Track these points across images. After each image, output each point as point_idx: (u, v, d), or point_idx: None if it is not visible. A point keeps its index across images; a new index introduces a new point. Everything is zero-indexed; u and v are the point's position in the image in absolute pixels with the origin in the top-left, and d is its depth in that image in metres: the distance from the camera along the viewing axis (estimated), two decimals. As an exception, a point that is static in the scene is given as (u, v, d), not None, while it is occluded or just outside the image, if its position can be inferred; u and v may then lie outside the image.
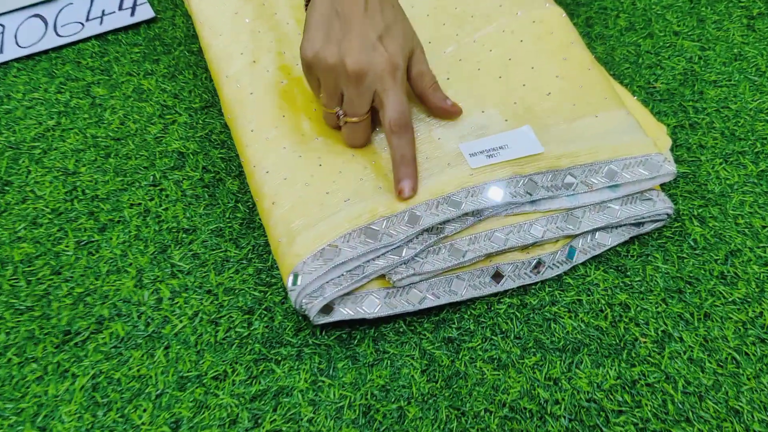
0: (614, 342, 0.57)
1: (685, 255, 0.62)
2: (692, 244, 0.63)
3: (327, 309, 0.56)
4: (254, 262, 0.62)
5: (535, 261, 0.60)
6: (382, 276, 0.57)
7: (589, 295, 0.60)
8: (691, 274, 0.61)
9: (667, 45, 0.80)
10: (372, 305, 0.56)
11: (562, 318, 0.58)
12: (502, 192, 0.58)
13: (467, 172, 0.59)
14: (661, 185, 0.67)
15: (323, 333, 0.58)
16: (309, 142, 0.63)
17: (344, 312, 0.56)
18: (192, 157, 0.69)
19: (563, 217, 0.60)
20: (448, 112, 0.63)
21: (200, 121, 0.72)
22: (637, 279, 0.61)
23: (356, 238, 0.56)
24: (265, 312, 0.59)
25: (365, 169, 0.62)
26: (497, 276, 0.59)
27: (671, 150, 0.70)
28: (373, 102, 0.60)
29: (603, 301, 0.59)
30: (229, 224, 0.64)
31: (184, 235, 0.63)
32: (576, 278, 0.61)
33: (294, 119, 0.65)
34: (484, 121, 0.64)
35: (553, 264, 0.60)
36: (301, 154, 0.62)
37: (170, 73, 0.77)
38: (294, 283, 0.54)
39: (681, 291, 0.60)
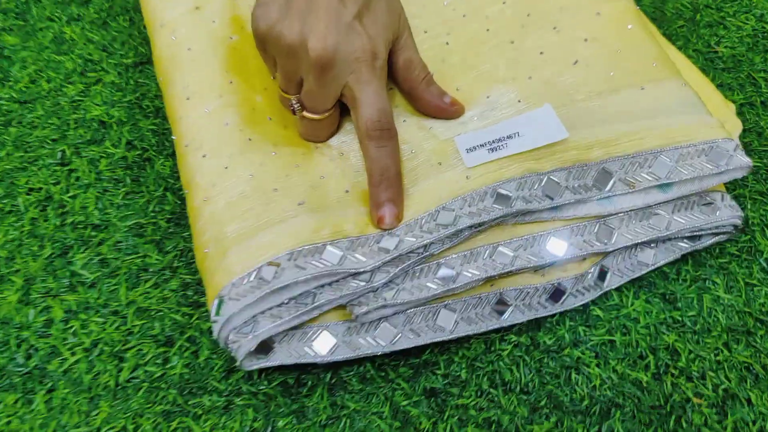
0: (658, 403, 0.42)
1: (755, 281, 0.46)
2: (765, 266, 0.47)
3: (264, 348, 0.41)
4: (180, 274, 0.47)
5: (552, 287, 0.44)
6: (342, 306, 0.42)
7: (624, 335, 0.44)
8: (763, 309, 0.45)
9: (735, -2, 0.62)
10: (326, 344, 0.41)
11: (587, 366, 0.43)
12: (512, 197, 0.42)
13: (461, 174, 0.44)
14: (726, 185, 0.51)
15: (263, 377, 0.43)
16: (261, 121, 0.48)
17: (287, 354, 0.41)
18: (116, 128, 0.54)
19: (593, 227, 0.44)
20: (445, 112, 0.48)
21: (132, 82, 0.56)
22: (690, 314, 0.45)
23: (308, 258, 0.40)
24: (188, 344, 0.44)
25: (331, 162, 0.46)
26: (501, 305, 0.44)
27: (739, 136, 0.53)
28: (342, 97, 0.44)
29: (643, 344, 0.44)
30: (153, 220, 0.49)
31: (92, 233, 0.48)
32: (608, 310, 0.45)
33: (244, 89, 0.49)
34: (491, 101, 0.48)
35: (578, 291, 0.45)
36: (251, 137, 0.46)
37: (101, 19, 0.61)
38: (218, 312, 0.39)
39: (750, 332, 0.44)
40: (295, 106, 0.45)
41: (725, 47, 0.59)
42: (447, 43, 0.51)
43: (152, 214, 0.49)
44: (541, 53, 0.49)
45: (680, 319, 0.45)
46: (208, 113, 0.47)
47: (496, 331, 0.44)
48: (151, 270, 0.47)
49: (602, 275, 0.45)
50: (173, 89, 0.49)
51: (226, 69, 0.49)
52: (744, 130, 0.54)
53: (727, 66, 0.58)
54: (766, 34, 0.59)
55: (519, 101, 0.48)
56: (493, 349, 0.44)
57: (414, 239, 0.41)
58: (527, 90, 0.48)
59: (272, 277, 0.39)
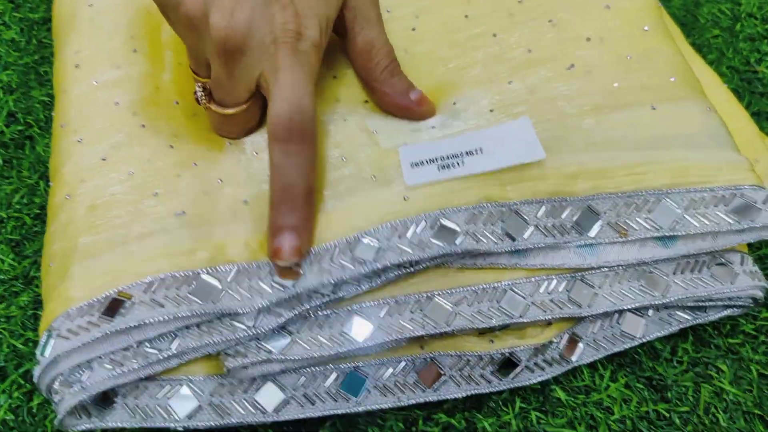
0: None
1: (774, 374, 0.35)
2: (789, 354, 0.36)
3: (104, 401, 0.31)
4: (36, 286, 0.37)
5: (502, 356, 0.33)
6: (212, 355, 0.32)
7: (591, 428, 0.33)
8: (780, 414, 0.34)
9: (786, 8, 0.51)
10: (185, 405, 0.31)
11: (535, 468, 0.32)
12: (459, 231, 0.32)
13: (398, 194, 0.33)
14: (750, 245, 0.40)
15: None
16: (164, 104, 0.37)
17: (129, 413, 0.31)
18: (1, 95, 0.44)
19: (566, 282, 0.34)
20: (410, 111, 0.36)
21: (34, 41, 0.47)
22: (682, 409, 0.34)
23: (171, 291, 0.30)
24: (23, 381, 0.34)
25: (237, 163, 0.35)
26: (430, 375, 0.33)
27: (772, 181, 0.42)
28: (260, 88, 0.34)
29: (614, 445, 0.33)
30: (17, 214, 0.39)
31: (-60, 224, 0.39)
32: (574, 393, 0.35)
33: (151, 60, 0.39)
34: (457, 108, 0.37)
35: (536, 364, 0.34)
36: (146, 123, 0.36)
37: (19, -34, 0.51)
38: (43, 350, 0.29)
39: (759, 443, 0.33)
40: (199, 94, 0.34)
41: None
42: (414, 29, 0.41)
43: (17, 206, 0.39)
44: (530, 51, 0.38)
45: (668, 415, 0.34)
46: (97, 87, 0.37)
47: (422, 407, 0.34)
48: (0, 278, 0.37)
49: (572, 346, 0.34)
50: (63, 53, 0.39)
51: (132, 35, 0.39)
52: (780, 173, 0.42)
53: (767, 90, 0.46)
54: (820, 55, 0.48)
55: (491, 110, 0.37)
56: (413, 430, 0.33)
57: (320, 277, 0.31)
58: (504, 97, 0.37)
59: (118, 313, 0.29)
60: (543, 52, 0.38)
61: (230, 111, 0.34)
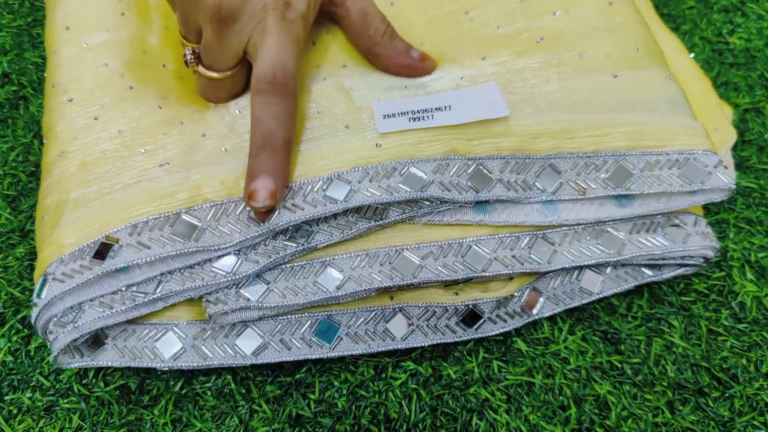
0: (571, 469, 0.34)
1: (721, 330, 0.38)
2: (737, 311, 0.38)
3: (96, 343, 0.33)
4: (31, 239, 0.39)
5: (466, 308, 0.36)
6: (194, 300, 0.34)
7: (548, 377, 0.36)
8: (724, 366, 0.37)
9: (760, -20, 0.52)
10: (170, 347, 0.34)
11: (495, 411, 0.35)
12: (426, 180, 0.34)
13: (371, 141, 0.35)
14: (706, 206, 0.42)
15: (100, 377, 0.35)
16: (151, 67, 0.39)
17: (119, 354, 0.33)
18: (-4, 56, 0.45)
19: (528, 239, 0.36)
20: (414, 69, 0.39)
21: (27, 3, 0.48)
22: (633, 360, 0.37)
23: (155, 232, 0.32)
24: (20, 326, 0.37)
25: (221, 120, 0.37)
26: (399, 323, 0.35)
27: (734, 149, 0.44)
28: (246, 54, 0.36)
29: (568, 392, 0.36)
30: (13, 171, 0.41)
31: (-59, 179, 0.41)
32: (533, 344, 0.37)
33: (138, 24, 0.40)
34: (430, 76, 0.39)
35: (498, 316, 0.36)
36: (133, 84, 0.38)
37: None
38: (39, 293, 0.32)
39: (702, 392, 0.36)
40: (189, 57, 0.36)
41: (739, 38, 0.49)
42: (392, 4, 0.42)
43: (13, 164, 0.41)
44: (498, 27, 0.40)
45: (620, 365, 0.37)
46: (87, 48, 0.39)
47: (391, 353, 0.36)
48: (-3, 231, 0.39)
49: (533, 300, 0.37)
50: (54, 15, 0.41)
51: None
52: (743, 142, 0.44)
53: (737, 61, 0.48)
54: (792, 28, 0.49)
55: (462, 78, 0.39)
56: (383, 376, 0.36)
57: (293, 213, 0.33)
58: (475, 71, 0.39)
59: (108, 255, 0.32)
60: (511, 28, 0.40)
61: (218, 75, 0.36)
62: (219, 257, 0.33)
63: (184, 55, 0.36)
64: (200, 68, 0.36)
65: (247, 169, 0.33)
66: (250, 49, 0.35)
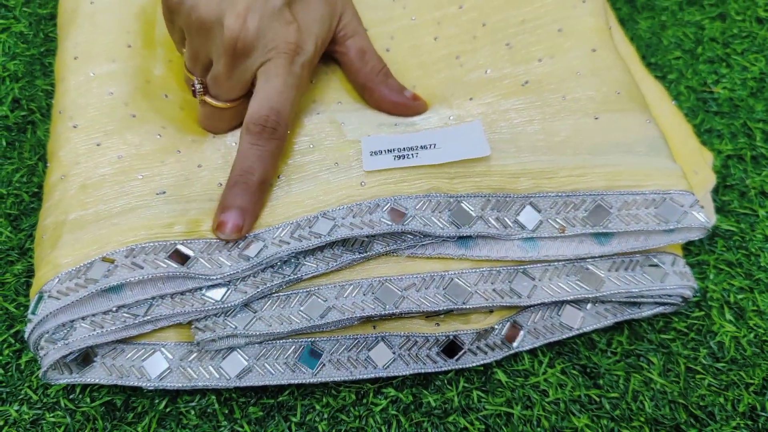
0: (546, 501, 0.34)
1: (699, 368, 0.38)
2: (715, 351, 0.39)
3: (85, 360, 0.34)
4: (29, 257, 0.40)
5: (447, 339, 0.37)
6: (183, 324, 0.35)
7: (526, 408, 0.37)
8: (701, 403, 0.37)
9: (744, 34, 0.54)
10: (156, 367, 0.35)
11: (472, 441, 0.36)
12: (408, 214, 0.35)
13: (356, 180, 0.37)
14: (685, 246, 0.43)
15: (86, 392, 0.36)
16: (154, 97, 0.41)
17: (106, 372, 0.34)
18: (8, 83, 0.47)
19: (509, 275, 0.37)
20: (406, 108, 0.41)
21: (41, 35, 0.50)
22: (612, 395, 0.37)
23: (150, 256, 0.34)
24: (13, 340, 0.38)
25: (216, 151, 0.39)
26: (381, 352, 0.36)
27: (715, 193, 0.45)
28: (253, 87, 0.38)
29: (546, 423, 0.36)
30: (16, 191, 0.43)
31: (-53, 196, 0.42)
32: (514, 375, 0.38)
33: (143, 56, 0.43)
34: (419, 117, 0.41)
35: (479, 348, 0.37)
36: (136, 113, 0.40)
37: (33, -36, 0.54)
38: (34, 310, 0.33)
39: (679, 429, 0.36)
40: (197, 87, 0.38)
41: (724, 88, 0.51)
42: (388, 50, 0.45)
43: (17, 184, 0.43)
44: (486, 72, 0.42)
45: (598, 399, 0.37)
46: (93, 77, 0.41)
47: (373, 380, 0.37)
48: (-3, 248, 0.41)
49: (513, 333, 0.38)
50: (64, 45, 0.43)
51: (127, 31, 0.43)
52: (725, 186, 0.46)
53: (721, 110, 0.50)
54: (775, 81, 0.51)
55: (450, 117, 0.41)
56: (364, 401, 0.37)
57: (280, 248, 0.34)
58: (463, 111, 0.41)
59: (102, 274, 0.33)
60: (499, 73, 0.42)
61: (223, 105, 0.38)
62: (209, 286, 0.34)
63: (192, 85, 0.38)
64: (207, 97, 0.38)
65: (220, 198, 0.35)
66: (255, 82, 0.37)
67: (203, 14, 0.35)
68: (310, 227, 0.35)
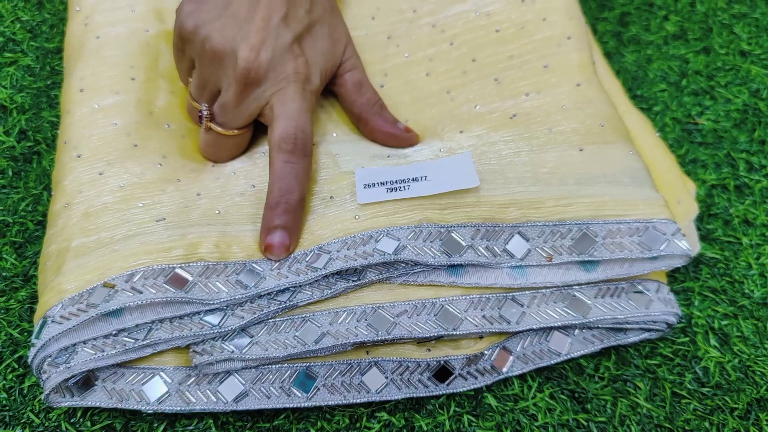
0: None
1: (684, 393, 0.39)
2: (701, 376, 0.40)
3: (86, 384, 0.35)
4: (33, 284, 0.41)
5: (438, 364, 0.38)
6: (181, 347, 0.36)
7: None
8: (687, 428, 0.38)
9: (728, 67, 0.56)
10: (155, 391, 0.36)
11: (463, 464, 0.36)
12: (400, 244, 0.36)
13: (350, 214, 0.38)
14: (670, 273, 0.44)
15: (87, 416, 0.37)
16: (156, 127, 0.43)
17: (107, 395, 0.35)
18: (15, 114, 0.49)
19: (497, 300, 0.38)
20: (398, 139, 0.43)
21: (47, 68, 0.52)
22: (599, 419, 0.38)
23: (149, 281, 0.35)
24: (17, 365, 0.39)
25: (215, 180, 0.41)
26: (374, 375, 0.37)
27: (699, 221, 0.47)
28: (260, 116, 0.40)
29: (535, 447, 0.37)
30: (22, 220, 0.44)
31: (-46, 225, 0.43)
32: (503, 400, 0.39)
33: (146, 88, 0.44)
34: (413, 147, 0.43)
35: (469, 373, 0.38)
36: (138, 143, 0.41)
37: (39, -1, 0.57)
38: (38, 334, 0.34)
39: (665, 453, 0.37)
40: (204, 113, 0.40)
41: (708, 119, 0.53)
42: (382, 86, 0.47)
43: (22, 213, 0.44)
44: (476, 107, 0.44)
45: (586, 424, 0.38)
46: (98, 110, 0.42)
47: (367, 405, 0.38)
48: (2, 275, 0.42)
49: (503, 359, 0.39)
50: (70, 79, 0.45)
51: (131, 65, 0.45)
52: (710, 215, 0.47)
53: (705, 141, 0.51)
54: (758, 112, 0.53)
55: (440, 149, 0.42)
56: (358, 425, 0.37)
57: (278, 280, 0.36)
58: (453, 143, 0.43)
59: (103, 299, 0.34)
60: (488, 107, 0.44)
61: (228, 132, 0.40)
62: (207, 311, 0.36)
63: (199, 112, 0.40)
64: (213, 124, 0.40)
65: (263, 220, 0.37)
66: (266, 112, 0.39)
67: (217, 45, 0.38)
68: (306, 261, 0.36)
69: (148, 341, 0.35)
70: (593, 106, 0.42)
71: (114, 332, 0.34)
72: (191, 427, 0.37)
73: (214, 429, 0.37)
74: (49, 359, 0.34)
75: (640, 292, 0.39)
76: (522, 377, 0.40)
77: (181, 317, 0.35)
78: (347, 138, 0.43)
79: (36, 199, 0.45)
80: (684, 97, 0.54)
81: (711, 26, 0.59)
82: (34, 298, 0.41)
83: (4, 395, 0.38)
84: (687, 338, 0.41)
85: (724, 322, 0.42)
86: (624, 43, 0.57)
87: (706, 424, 0.38)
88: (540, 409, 0.38)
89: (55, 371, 0.34)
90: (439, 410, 0.38)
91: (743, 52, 0.57)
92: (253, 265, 0.36)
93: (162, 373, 0.36)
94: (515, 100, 0.43)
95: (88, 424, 0.37)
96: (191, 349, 0.36)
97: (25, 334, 0.40)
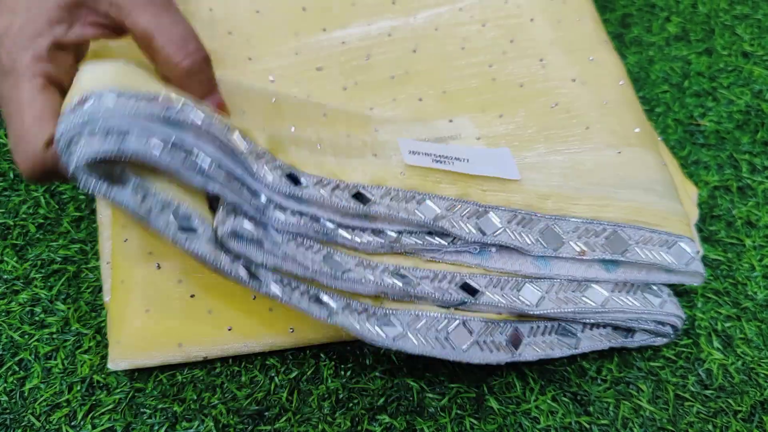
0: None
1: (687, 395, 0.39)
2: (704, 378, 0.40)
3: (122, 179, 0.30)
4: (34, 287, 0.41)
5: (459, 320, 0.37)
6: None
7: (518, 435, 0.37)
8: (690, 430, 0.38)
9: (730, 68, 0.56)
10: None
11: (464, 467, 0.36)
12: (438, 213, 0.37)
13: (396, 168, 0.38)
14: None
15: (89, 418, 0.37)
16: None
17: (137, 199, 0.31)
18: (16, 117, 0.49)
19: (517, 282, 0.38)
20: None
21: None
22: (602, 422, 0.38)
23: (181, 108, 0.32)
24: (17, 368, 0.39)
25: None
26: (389, 325, 0.36)
27: (702, 223, 0.46)
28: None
29: (537, 450, 0.37)
30: (23, 222, 0.44)
31: (-45, 227, 0.43)
32: (506, 402, 0.39)
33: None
34: (452, 126, 0.44)
35: (485, 342, 0.37)
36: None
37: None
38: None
39: (668, 456, 0.37)
40: None
41: (710, 121, 0.52)
42: (414, 51, 0.47)
43: (23, 215, 0.44)
44: (521, 86, 0.44)
45: (588, 426, 0.38)
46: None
47: (368, 409, 0.38)
48: (3, 277, 0.42)
49: (516, 339, 0.38)
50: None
51: None
52: (712, 217, 0.47)
53: (708, 142, 0.51)
54: (760, 113, 0.53)
55: (478, 138, 0.43)
56: (359, 428, 0.37)
57: (317, 192, 0.36)
58: (492, 129, 0.43)
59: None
60: (533, 88, 0.44)
61: None
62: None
63: None
64: None
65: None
66: None
67: None
68: (349, 192, 0.36)
69: (195, 159, 0.31)
70: (631, 108, 0.43)
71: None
72: (192, 430, 0.37)
73: (214, 431, 0.37)
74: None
75: (655, 292, 0.39)
76: (524, 380, 0.39)
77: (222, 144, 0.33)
78: (386, 116, 0.44)
79: (37, 202, 0.45)
80: (686, 98, 0.54)
81: (713, 27, 0.58)
82: (34, 301, 0.41)
83: (5, 398, 0.37)
84: (690, 340, 0.41)
85: (727, 324, 0.42)
86: (626, 45, 0.57)
87: (710, 426, 0.38)
88: (542, 411, 0.38)
89: (92, 141, 0.28)
90: (441, 413, 0.38)
91: (745, 53, 0.57)
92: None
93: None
94: (561, 84, 0.44)
95: (89, 426, 0.37)
96: (225, 208, 0.33)
97: (26, 336, 0.40)
